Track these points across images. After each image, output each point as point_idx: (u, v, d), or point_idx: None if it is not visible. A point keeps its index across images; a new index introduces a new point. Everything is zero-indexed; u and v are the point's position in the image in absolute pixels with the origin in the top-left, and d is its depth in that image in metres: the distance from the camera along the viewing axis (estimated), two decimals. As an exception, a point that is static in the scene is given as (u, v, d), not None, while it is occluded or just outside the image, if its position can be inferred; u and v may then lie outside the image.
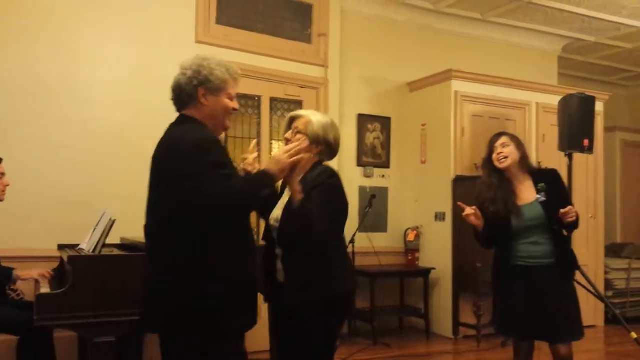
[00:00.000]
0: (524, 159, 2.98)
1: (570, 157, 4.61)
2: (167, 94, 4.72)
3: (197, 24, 4.52)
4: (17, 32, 3.94)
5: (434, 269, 5.40)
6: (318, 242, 2.21)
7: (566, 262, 2.93)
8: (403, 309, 5.50)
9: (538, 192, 2.90)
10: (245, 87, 4.65)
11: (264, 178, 1.96)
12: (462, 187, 5.30)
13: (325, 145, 2.32)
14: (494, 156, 2.99)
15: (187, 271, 1.91)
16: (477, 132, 5.48)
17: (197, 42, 4.51)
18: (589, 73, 7.72)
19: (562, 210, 2.75)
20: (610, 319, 5.85)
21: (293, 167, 2.00)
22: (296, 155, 1.99)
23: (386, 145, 5.68)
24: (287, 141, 2.30)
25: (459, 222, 5.29)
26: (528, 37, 6.39)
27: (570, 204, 2.86)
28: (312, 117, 2.32)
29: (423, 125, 5.67)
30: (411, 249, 5.54)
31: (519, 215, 2.87)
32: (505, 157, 2.94)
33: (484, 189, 3.02)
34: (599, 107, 5.65)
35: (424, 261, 5.54)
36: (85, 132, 4.09)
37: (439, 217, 5.42)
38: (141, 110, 4.25)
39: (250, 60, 4.66)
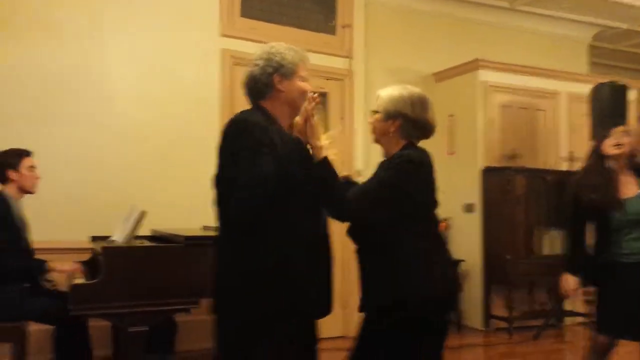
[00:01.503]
0: (633, 153, 2.87)
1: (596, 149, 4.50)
2: (192, 88, 4.79)
3: (222, 17, 4.54)
4: (42, 31, 4.01)
5: (463, 260, 5.33)
6: (376, 237, 1.96)
7: None
8: (432, 302, 5.44)
9: None
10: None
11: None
12: (491, 178, 5.23)
13: (403, 119, 2.01)
14: (609, 142, 2.85)
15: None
16: (507, 123, 5.41)
17: (222, 35, 4.53)
18: (620, 61, 7.55)
19: None
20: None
21: (308, 127, 1.90)
22: (306, 114, 1.90)
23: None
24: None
25: (489, 213, 5.23)
26: (557, 25, 6.26)
27: None
28: (382, 92, 2.09)
29: (450, 116, 5.60)
30: (440, 242, 5.48)
31: (621, 208, 2.75)
32: (622, 145, 2.82)
33: (586, 175, 2.91)
34: (632, 95, 5.51)
35: (453, 253, 5.45)
36: (110, 128, 4.14)
37: (468, 208, 5.35)
38: (165, 104, 4.31)
39: (276, 53, 4.66)
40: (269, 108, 2.00)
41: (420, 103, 2.04)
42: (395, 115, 2.01)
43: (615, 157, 2.83)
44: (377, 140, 2.09)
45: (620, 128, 2.88)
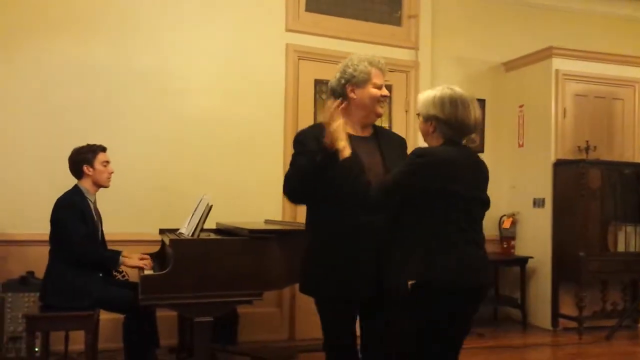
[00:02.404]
0: None
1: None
2: (259, 83, 4.87)
3: (287, 12, 4.58)
4: (115, 29, 4.18)
5: (531, 257, 5.17)
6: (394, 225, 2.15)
7: None
8: (498, 298, 5.32)
9: None
10: (333, 73, 4.66)
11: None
12: (563, 171, 5.02)
13: (436, 121, 2.11)
14: None
15: None
16: (581, 113, 5.17)
17: (288, 30, 4.58)
18: None
19: None
20: None
21: (330, 131, 2.10)
22: (330, 115, 2.12)
23: (480, 129, 5.48)
24: None
25: (560, 208, 5.03)
26: (636, 7, 5.87)
27: None
28: (420, 95, 2.23)
29: (520, 106, 5.40)
30: (507, 237, 5.33)
31: None
32: None
33: None
34: None
35: (521, 249, 5.32)
36: (180, 122, 4.28)
37: (538, 203, 5.17)
38: (234, 99, 4.41)
39: (340, 46, 4.65)
40: (344, 113, 2.23)
41: (451, 103, 2.11)
42: (429, 118, 2.15)
43: None
44: (425, 140, 2.23)
45: None
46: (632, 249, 4.98)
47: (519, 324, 5.14)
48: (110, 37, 4.16)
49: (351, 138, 2.19)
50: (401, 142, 2.48)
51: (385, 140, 2.39)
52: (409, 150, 2.18)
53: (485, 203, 2.18)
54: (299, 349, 3.87)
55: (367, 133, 2.37)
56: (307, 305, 4.42)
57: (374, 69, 2.28)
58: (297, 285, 3.37)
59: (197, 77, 4.35)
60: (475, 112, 2.13)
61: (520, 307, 5.16)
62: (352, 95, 2.29)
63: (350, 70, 2.28)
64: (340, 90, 2.30)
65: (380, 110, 2.32)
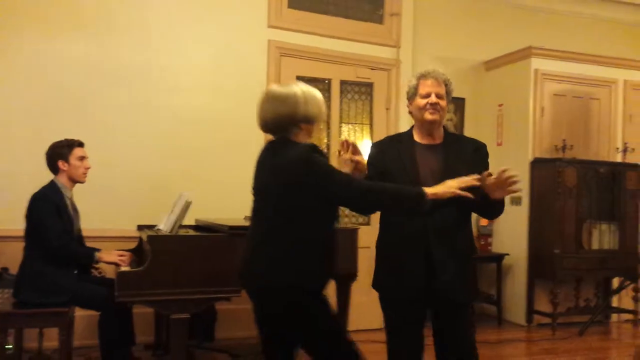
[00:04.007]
0: None
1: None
2: (243, 79, 4.85)
3: (270, 8, 4.56)
4: (102, 22, 4.14)
5: (507, 254, 5.25)
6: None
7: None
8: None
9: None
10: (315, 70, 4.70)
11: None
12: (540, 170, 5.10)
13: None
14: None
15: None
16: (558, 112, 5.24)
17: (270, 26, 4.57)
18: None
19: None
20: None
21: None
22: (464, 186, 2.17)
23: (459, 127, 5.53)
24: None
25: (537, 206, 5.11)
26: (613, 9, 5.95)
27: None
28: None
29: (500, 105, 5.46)
30: (484, 234, 5.41)
31: None
32: None
33: None
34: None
35: (497, 246, 5.40)
36: (163, 119, 4.26)
37: (515, 201, 5.24)
38: (218, 96, 4.39)
39: (321, 43, 4.67)
40: (414, 126, 2.47)
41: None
42: None
43: None
44: None
45: None
46: (605, 247, 5.09)
47: (495, 319, 5.22)
48: (96, 33, 4.13)
49: (418, 146, 2.38)
50: (476, 146, 2.48)
51: (453, 147, 2.43)
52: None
53: (264, 193, 2.19)
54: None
55: (436, 141, 2.42)
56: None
57: (421, 80, 2.38)
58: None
59: (181, 74, 4.33)
60: (262, 109, 2.27)
61: (496, 303, 5.24)
62: (409, 109, 2.45)
63: (407, 89, 2.44)
64: (407, 107, 2.48)
65: (429, 116, 2.34)
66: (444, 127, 2.46)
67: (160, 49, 4.28)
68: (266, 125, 2.25)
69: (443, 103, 2.35)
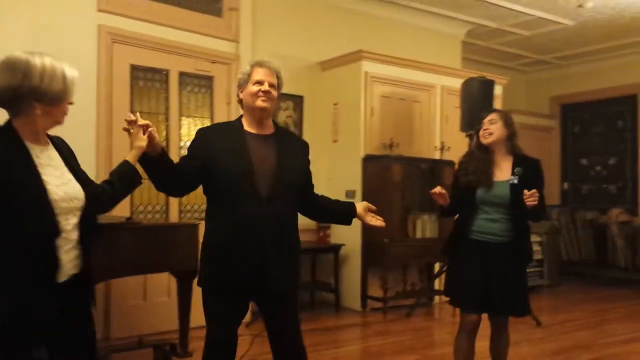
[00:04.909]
0: (510, 138, 3.01)
1: (470, 137, 4.82)
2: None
3: (100, -9, 4.27)
4: None
5: (343, 245, 5.53)
6: None
7: (521, 248, 2.98)
8: (314, 284, 5.60)
9: (513, 174, 2.92)
10: (152, 59, 4.51)
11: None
12: (371, 165, 5.45)
13: None
14: (481, 132, 3.03)
15: None
16: (386, 113, 5.64)
17: (100, 10, 4.26)
18: (490, 58, 8.14)
19: (526, 191, 2.75)
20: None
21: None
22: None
23: (299, 124, 5.70)
24: None
25: (368, 200, 5.42)
26: (435, 21, 6.60)
27: (543, 198, 2.85)
28: None
29: (335, 104, 5.74)
30: (322, 226, 5.63)
31: (488, 190, 2.92)
32: (490, 134, 2.99)
33: (467, 159, 3.08)
34: (498, 90, 5.98)
35: (335, 238, 5.66)
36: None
37: (349, 194, 5.54)
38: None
39: (158, 31, 4.49)
40: (243, 115, 2.47)
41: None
42: None
43: (490, 144, 3.00)
44: None
45: (490, 116, 3.06)
46: (428, 235, 5.61)
47: (333, 307, 5.48)
48: None
49: (249, 135, 2.37)
50: (304, 144, 2.66)
51: (284, 140, 2.50)
52: None
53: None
54: (112, 349, 3.67)
55: (267, 131, 2.44)
56: (121, 302, 4.23)
57: (255, 68, 2.38)
58: (112, 282, 3.19)
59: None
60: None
61: (334, 291, 5.50)
62: (240, 96, 2.43)
63: (239, 75, 2.44)
64: (237, 96, 2.45)
65: (260, 103, 2.35)
66: (272, 119, 2.51)
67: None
68: None
69: (275, 93, 2.39)
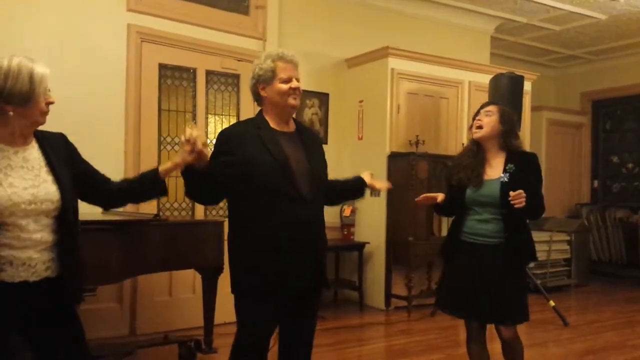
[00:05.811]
0: (505, 134, 2.76)
1: (498, 135, 4.77)
2: (97, 64, 4.54)
3: (129, -9, 4.33)
4: None
5: (368, 243, 5.53)
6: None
7: (518, 249, 2.74)
8: (338, 282, 5.61)
9: (504, 171, 2.72)
10: (179, 58, 4.55)
11: None
12: (396, 163, 5.42)
13: None
14: (472, 123, 2.82)
15: None
16: (412, 110, 5.60)
17: (129, 10, 4.32)
18: (519, 53, 8.00)
19: (511, 192, 2.55)
20: (532, 289, 6.19)
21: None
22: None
23: (324, 121, 5.70)
24: None
25: (393, 198, 5.44)
26: (463, 16, 6.52)
27: (538, 194, 2.71)
28: None
29: (360, 101, 5.72)
30: (347, 224, 5.63)
31: (477, 189, 2.73)
32: (480, 127, 2.76)
33: (460, 155, 2.92)
34: (527, 86, 5.88)
35: (359, 236, 5.66)
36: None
37: (374, 192, 5.49)
38: (69, 81, 4.04)
39: (185, 30, 4.53)
40: (264, 111, 2.38)
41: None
42: None
43: (479, 140, 2.79)
44: None
45: (487, 108, 2.80)
46: (453, 234, 5.55)
47: (357, 305, 5.48)
48: None
49: (275, 133, 2.30)
50: (320, 139, 2.66)
51: (305, 136, 2.44)
52: None
53: None
54: (138, 345, 3.74)
55: (290, 128, 2.39)
56: (147, 299, 4.31)
57: (277, 65, 2.29)
58: (138, 278, 3.23)
59: (33, 56, 3.91)
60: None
61: (358, 289, 5.50)
62: (263, 93, 2.33)
63: (257, 70, 2.32)
64: (255, 91, 2.35)
65: (292, 101, 2.30)
66: None
67: (11, 32, 3.83)
68: None
69: (301, 88, 2.37)
